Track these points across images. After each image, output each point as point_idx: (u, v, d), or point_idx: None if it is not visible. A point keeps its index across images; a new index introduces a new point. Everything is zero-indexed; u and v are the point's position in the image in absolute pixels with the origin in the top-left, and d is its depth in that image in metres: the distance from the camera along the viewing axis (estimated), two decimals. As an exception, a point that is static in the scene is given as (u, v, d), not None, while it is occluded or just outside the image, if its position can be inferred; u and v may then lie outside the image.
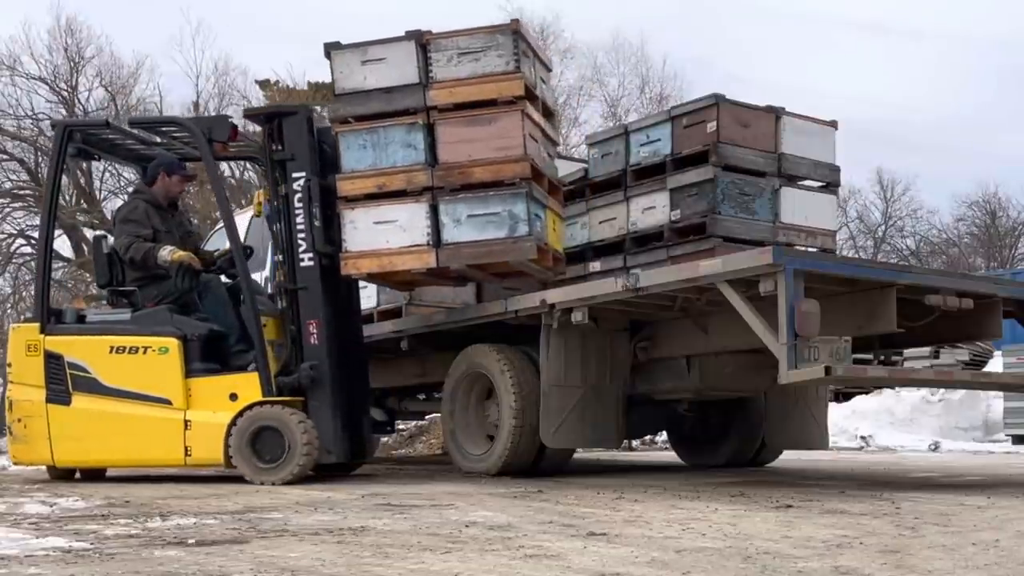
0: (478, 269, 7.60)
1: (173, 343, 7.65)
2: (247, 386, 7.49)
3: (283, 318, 7.61)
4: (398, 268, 7.46)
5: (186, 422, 7.60)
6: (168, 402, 7.66)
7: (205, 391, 7.62)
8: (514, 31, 7.12)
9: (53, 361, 7.90)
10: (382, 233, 7.37)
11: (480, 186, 7.17)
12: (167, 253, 7.68)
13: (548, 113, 7.73)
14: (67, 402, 7.87)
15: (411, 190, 7.31)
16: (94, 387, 7.82)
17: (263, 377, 7.44)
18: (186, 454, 7.59)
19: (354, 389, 7.86)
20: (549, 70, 7.97)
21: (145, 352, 7.73)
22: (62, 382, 7.89)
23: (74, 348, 7.90)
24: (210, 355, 7.72)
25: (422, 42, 7.27)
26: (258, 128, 7.98)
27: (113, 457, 8.03)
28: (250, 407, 7.43)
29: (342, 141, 7.50)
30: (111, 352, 7.80)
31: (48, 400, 7.89)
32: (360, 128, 7.43)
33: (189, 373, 7.66)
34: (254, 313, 7.52)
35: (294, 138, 7.63)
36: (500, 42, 7.12)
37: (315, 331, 7.51)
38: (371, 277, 7.75)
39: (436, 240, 7.25)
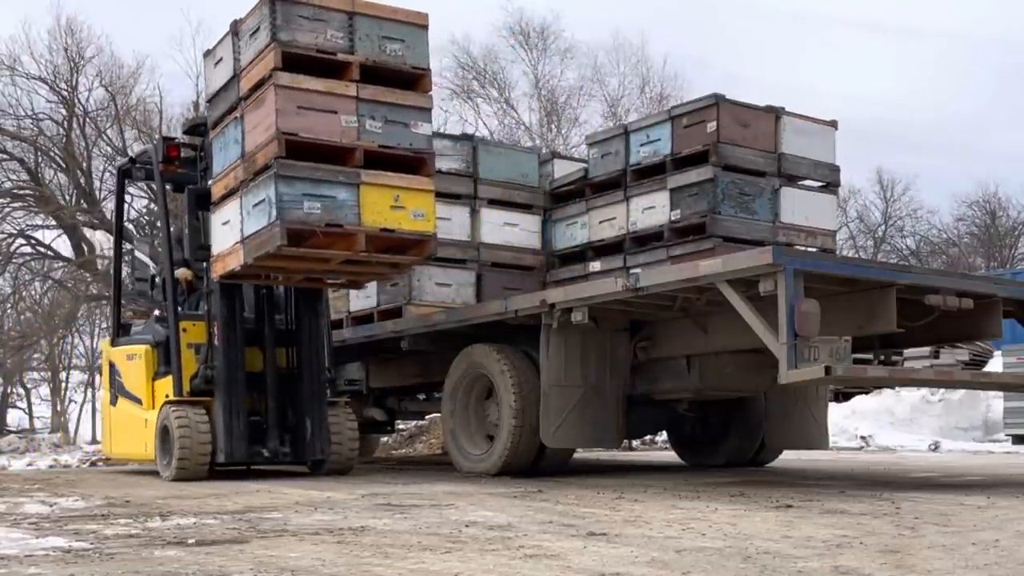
0: (277, 261, 6.91)
1: (143, 349, 8.32)
2: (171, 387, 7.90)
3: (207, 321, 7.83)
4: (229, 268, 7.19)
5: (145, 420, 8.15)
6: (141, 402, 8.33)
7: (159, 392, 8.14)
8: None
9: (111, 369, 8.88)
10: (223, 234, 7.24)
11: (261, 172, 6.70)
12: (179, 274, 8.16)
13: (397, 77, 6.88)
14: (115, 403, 8.83)
15: (235, 187, 7.06)
16: (122, 390, 8.66)
17: (174, 378, 7.78)
18: (146, 449, 8.13)
19: (295, 390, 7.90)
20: (422, 26, 6.99)
21: (133, 359, 8.48)
22: (113, 386, 8.83)
23: (117, 357, 8.80)
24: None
25: (236, 31, 7.00)
26: None
27: (124, 451, 8.92)
28: (162, 407, 7.84)
29: (213, 147, 7.39)
30: (126, 359, 8.63)
31: (110, 402, 8.93)
32: (217, 132, 7.31)
33: (156, 375, 8.24)
34: (172, 317, 7.86)
35: (210, 146, 7.64)
36: (264, 14, 6.63)
37: (217, 332, 7.67)
38: (222, 279, 7.45)
39: (242, 235, 6.97)
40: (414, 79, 6.96)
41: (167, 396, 7.85)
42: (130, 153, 23.50)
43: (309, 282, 7.66)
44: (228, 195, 7.12)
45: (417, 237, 6.95)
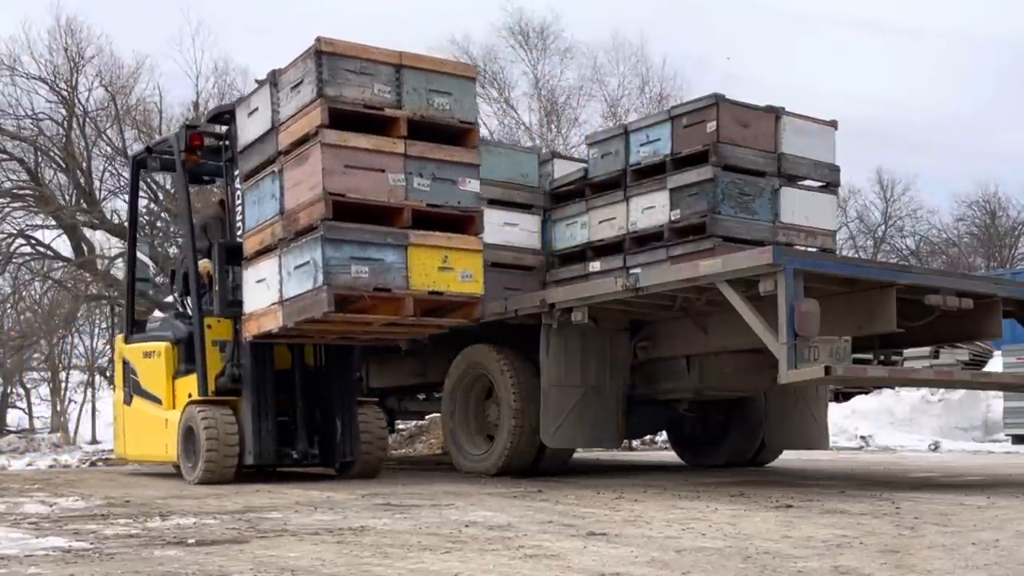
0: (318, 325, 6.60)
1: (162, 347, 7.98)
2: (196, 385, 7.58)
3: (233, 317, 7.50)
4: (265, 329, 6.84)
5: (165, 420, 7.83)
6: (160, 402, 7.99)
7: (181, 391, 7.81)
8: (317, 51, 6.27)
9: (125, 367, 8.52)
10: (258, 292, 6.90)
11: (305, 232, 6.39)
12: (200, 267, 7.77)
13: (445, 132, 6.63)
14: (130, 402, 8.46)
15: (272, 244, 6.72)
16: (138, 389, 8.31)
17: (199, 376, 7.45)
18: (166, 450, 7.85)
19: (324, 389, 7.63)
20: (469, 78, 6.84)
21: (152, 356, 8.11)
22: (127, 385, 8.48)
23: (133, 355, 8.43)
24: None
25: (275, 82, 6.69)
26: None
27: (141, 452, 8.57)
28: (186, 406, 7.52)
29: (245, 200, 7.09)
30: (143, 357, 8.25)
31: (124, 401, 8.56)
32: (251, 184, 7.01)
33: (176, 374, 7.90)
34: (197, 313, 7.55)
35: (234, 137, 7.34)
36: (309, 68, 6.32)
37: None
38: (256, 339, 7.10)
39: (281, 296, 6.62)
40: (461, 134, 6.72)
41: (190, 395, 7.53)
42: (130, 153, 23.55)
43: (343, 340, 7.36)
44: (264, 252, 6.80)
45: (464, 299, 6.70)
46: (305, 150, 6.33)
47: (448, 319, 6.89)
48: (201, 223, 8.11)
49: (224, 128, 7.64)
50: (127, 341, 8.60)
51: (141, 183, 21.03)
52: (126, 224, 22.18)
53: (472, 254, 6.69)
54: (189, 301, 7.88)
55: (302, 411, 7.49)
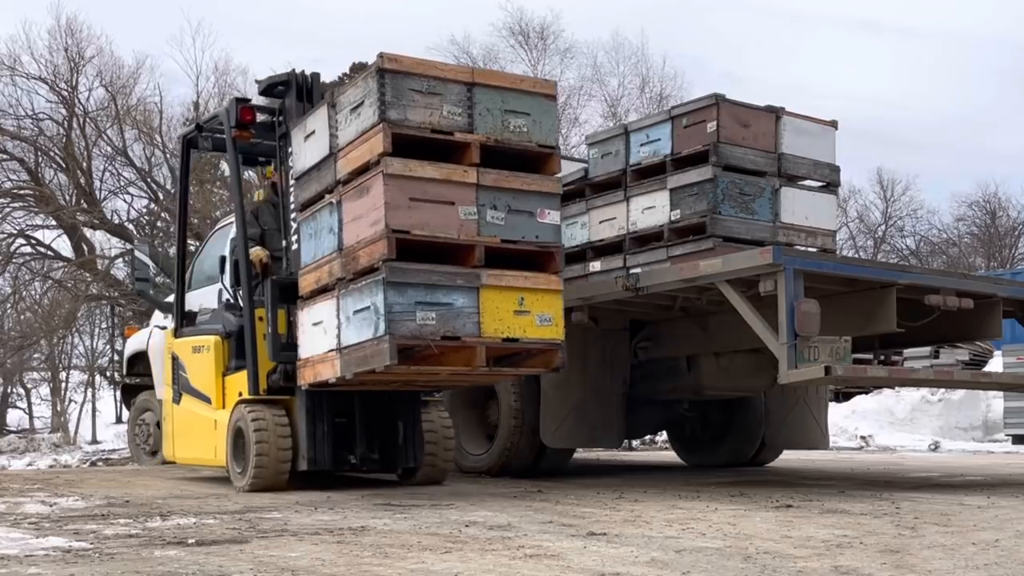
0: (379, 376, 5.90)
1: (211, 341, 7.37)
2: (246, 383, 6.96)
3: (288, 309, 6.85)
4: (321, 378, 6.22)
5: (215, 421, 7.26)
6: (209, 400, 7.41)
7: (231, 389, 7.22)
8: (379, 69, 5.65)
9: (174, 363, 7.89)
10: (315, 336, 6.28)
11: (365, 273, 5.78)
12: (252, 255, 7.16)
13: (521, 158, 6.00)
14: (178, 401, 7.84)
15: (329, 283, 6.12)
16: (187, 387, 7.72)
17: (249, 373, 6.87)
18: (215, 454, 7.25)
19: (386, 392, 6.98)
20: (549, 96, 6.16)
21: (200, 351, 7.53)
22: (176, 382, 7.85)
23: (182, 350, 7.83)
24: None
25: (333, 103, 6.14)
26: None
27: (189, 455, 7.89)
28: (235, 406, 6.94)
29: (301, 232, 6.52)
30: (193, 352, 7.66)
31: (172, 399, 7.91)
32: (307, 215, 6.42)
33: (227, 371, 7.31)
34: (247, 305, 6.97)
35: (288, 111, 6.88)
36: (370, 88, 5.71)
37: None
38: (312, 387, 6.48)
39: (339, 343, 6.01)
40: (540, 159, 6.04)
41: (240, 394, 6.97)
42: (129, 154, 23.61)
43: (405, 387, 6.84)
44: (320, 291, 6.24)
45: (542, 346, 5.97)
46: (366, 180, 5.74)
47: (524, 368, 6.25)
48: (252, 208, 7.56)
49: (278, 102, 7.10)
50: (176, 335, 7.97)
51: (141, 183, 21.02)
52: (128, 224, 22.21)
53: (551, 295, 5.98)
54: (240, 292, 7.25)
55: (361, 412, 6.89)
